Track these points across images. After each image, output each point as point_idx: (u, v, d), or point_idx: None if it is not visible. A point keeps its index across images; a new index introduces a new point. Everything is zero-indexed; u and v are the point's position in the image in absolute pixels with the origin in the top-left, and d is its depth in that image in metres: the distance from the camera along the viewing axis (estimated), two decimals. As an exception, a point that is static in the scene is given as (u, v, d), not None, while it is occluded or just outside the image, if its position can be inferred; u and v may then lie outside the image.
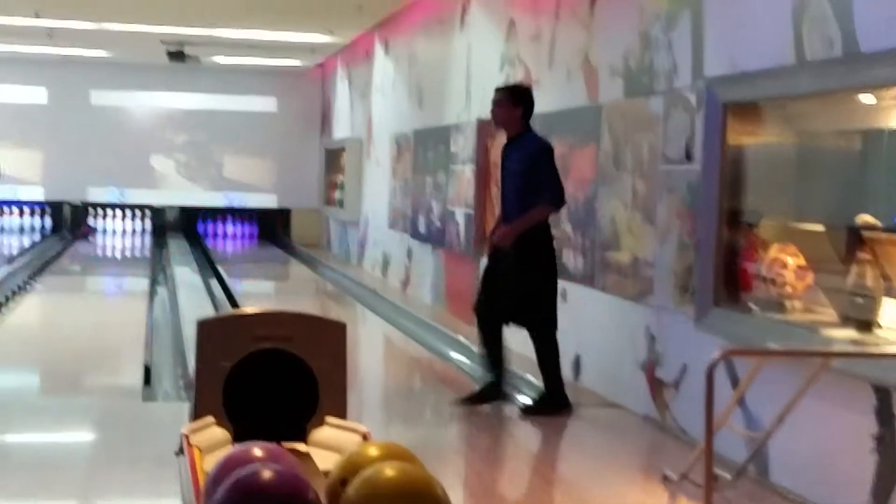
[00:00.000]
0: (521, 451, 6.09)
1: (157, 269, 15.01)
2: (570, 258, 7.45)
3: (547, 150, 6.38)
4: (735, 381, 5.08)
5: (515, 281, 6.35)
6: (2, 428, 5.78)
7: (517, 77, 8.67)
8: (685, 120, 5.88)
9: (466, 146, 9.74)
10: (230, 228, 20.58)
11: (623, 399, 6.60)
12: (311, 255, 16.64)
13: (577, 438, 6.26)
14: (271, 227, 20.28)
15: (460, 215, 9.91)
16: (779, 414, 4.39)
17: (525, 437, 6.31)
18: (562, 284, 7.46)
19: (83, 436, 5.84)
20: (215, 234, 20.46)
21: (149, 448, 5.20)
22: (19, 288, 11.58)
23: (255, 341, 3.53)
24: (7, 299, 10.55)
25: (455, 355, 8.70)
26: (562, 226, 7.58)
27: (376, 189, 14.22)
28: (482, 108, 9.50)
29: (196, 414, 3.48)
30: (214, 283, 13.33)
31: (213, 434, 3.36)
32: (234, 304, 11.00)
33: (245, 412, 3.52)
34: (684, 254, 5.86)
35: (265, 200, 20.11)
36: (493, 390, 6.53)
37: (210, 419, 3.44)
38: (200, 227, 20.50)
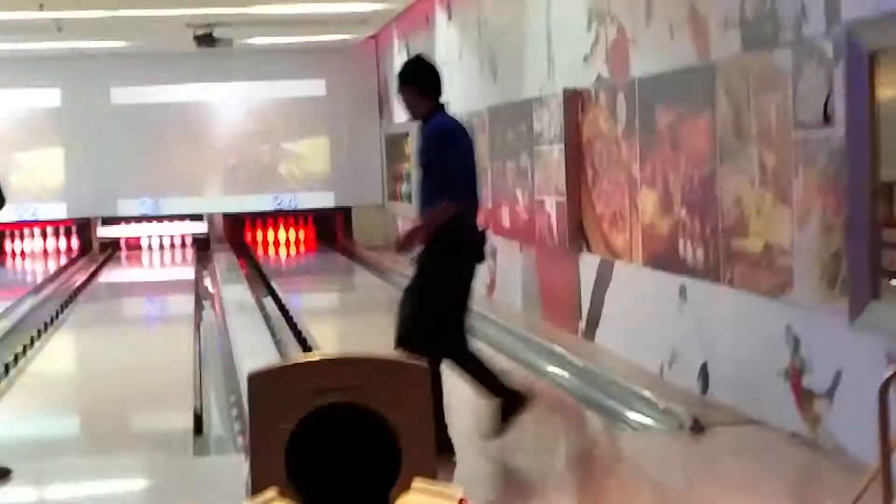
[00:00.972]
0: (642, 479, 5.86)
1: (202, 288, 15.04)
2: (686, 250, 7.21)
3: (438, 135, 5.95)
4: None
5: (405, 296, 6.12)
6: (37, 490, 5.72)
7: (609, 38, 8.43)
8: (821, 75, 5.61)
9: (553, 123, 9.52)
10: (283, 235, 20.61)
11: (763, 414, 6.36)
12: (378, 259, 16.54)
13: (710, 463, 6.03)
14: (330, 230, 20.25)
15: (551, 204, 9.70)
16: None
17: (646, 464, 6.10)
18: (680, 280, 7.25)
19: (128, 499, 5.76)
20: (266, 243, 20.52)
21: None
22: (47, 324, 11.62)
23: (318, 395, 3.34)
24: (33, 339, 10.57)
25: (553, 369, 8.51)
26: (674, 210, 7.34)
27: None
28: (570, 76, 9.29)
29: (255, 486, 3.32)
30: (269, 301, 13.29)
31: (277, 510, 3.19)
32: (291, 324, 10.91)
33: (314, 480, 3.34)
34: (830, 237, 5.60)
35: (321, 199, 20.06)
36: (512, 402, 6.20)
37: (272, 492, 3.27)
38: (249, 236, 20.57)
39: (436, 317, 5.99)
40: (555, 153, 9.52)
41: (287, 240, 20.63)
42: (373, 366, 3.52)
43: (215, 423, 7.34)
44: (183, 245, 20.15)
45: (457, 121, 6.21)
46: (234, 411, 7.58)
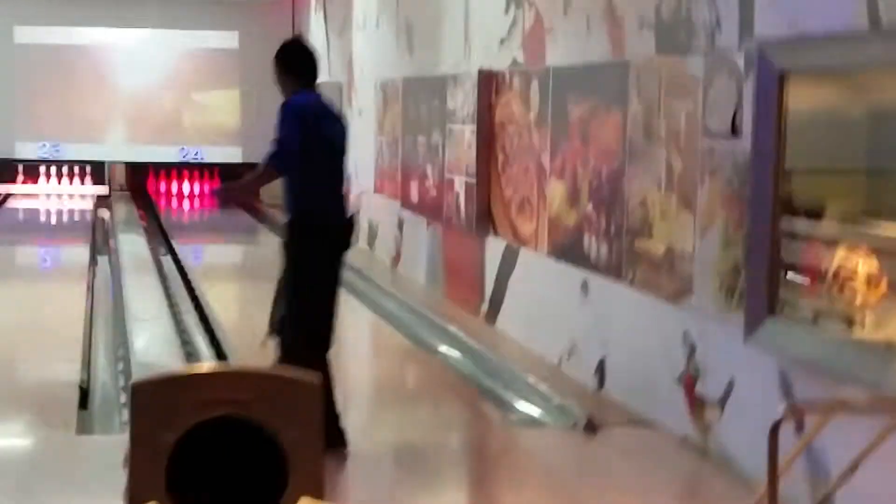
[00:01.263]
0: (532, 477, 5.94)
1: (99, 240, 14.87)
2: (591, 245, 7.29)
3: (290, 110, 5.82)
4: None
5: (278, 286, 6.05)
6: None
7: (527, 24, 8.45)
8: (731, 87, 5.69)
9: (466, 102, 9.53)
10: (186, 187, 20.42)
11: (656, 416, 6.47)
12: (282, 219, 16.41)
13: (600, 464, 6.13)
14: (236, 186, 20.06)
15: (460, 184, 9.73)
16: (853, 461, 4.23)
17: (539, 456, 6.18)
18: (582, 275, 7.33)
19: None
20: (170, 195, 20.32)
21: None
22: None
23: (204, 408, 3.34)
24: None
25: (449, 351, 8.57)
26: (581, 204, 7.41)
27: (360, 145, 14.00)
28: (485, 57, 9.30)
29: (132, 499, 3.30)
30: (168, 259, 13.19)
31: (155, 529, 3.18)
32: (188, 287, 10.82)
33: (195, 495, 3.34)
34: (731, 250, 5.70)
35: (228, 154, 19.87)
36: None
37: (150, 507, 3.27)
38: (152, 186, 20.35)
39: (307, 305, 5.88)
40: (466, 133, 9.54)
41: (192, 193, 20.43)
42: (263, 380, 3.52)
43: (102, 392, 7.26)
44: (83, 196, 19.84)
45: (324, 102, 6.08)
46: (122, 380, 7.53)
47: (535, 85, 8.25)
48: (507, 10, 8.90)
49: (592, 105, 7.31)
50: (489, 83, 9.16)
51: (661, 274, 6.45)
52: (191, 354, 8.28)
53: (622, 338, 6.95)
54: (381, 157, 12.87)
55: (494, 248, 9.14)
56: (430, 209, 10.72)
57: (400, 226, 11.98)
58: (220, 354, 8.02)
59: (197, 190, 20.39)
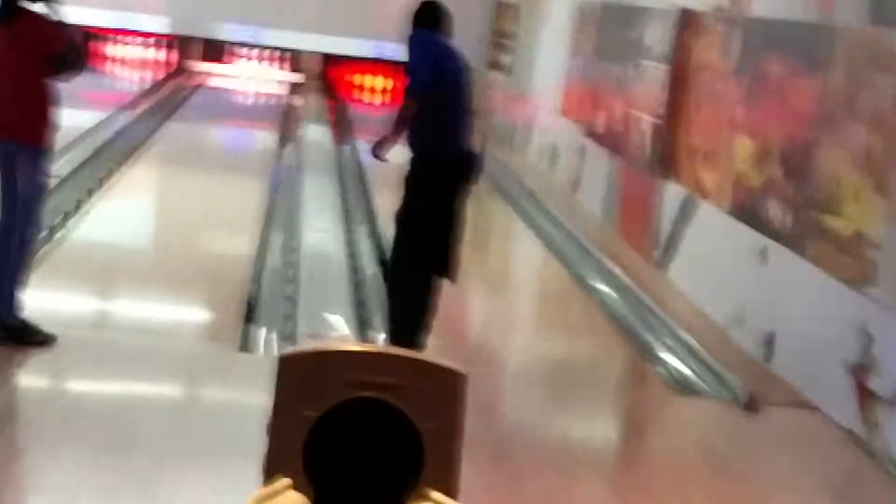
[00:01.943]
0: (685, 448, 5.70)
1: (289, 128, 14.97)
2: (774, 211, 6.94)
3: (413, 40, 5.99)
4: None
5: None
6: (65, 369, 5.68)
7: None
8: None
9: (663, 40, 9.15)
10: (379, 83, 20.37)
11: (821, 401, 6.16)
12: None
13: (757, 444, 5.85)
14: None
15: (646, 123, 9.39)
16: None
17: (695, 428, 5.95)
18: (762, 240, 7.00)
19: (161, 389, 5.68)
20: (361, 89, 20.31)
21: (229, 428, 5.02)
22: (129, 154, 11.69)
23: (349, 388, 3.22)
24: (120, 163, 10.72)
25: (610, 292, 8.30)
26: (769, 166, 7.05)
27: (550, 62, 13.71)
28: (688, -5, 8.90)
29: (268, 472, 3.22)
30: (348, 152, 13.22)
31: (287, 502, 3.10)
32: (365, 194, 10.77)
33: (331, 476, 3.24)
34: (923, 246, 5.32)
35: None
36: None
37: (286, 482, 3.18)
38: (343, 78, 20.38)
39: (417, 234, 5.88)
40: (659, 72, 9.17)
41: (383, 88, 20.37)
42: (412, 365, 3.37)
43: (269, 301, 7.23)
44: (279, 82, 19.97)
45: (446, 42, 6.08)
46: (290, 288, 7.50)
47: (736, 33, 7.85)
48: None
49: (793, 65, 6.91)
50: (689, 24, 8.76)
51: (844, 255, 6.09)
52: (356, 268, 8.22)
53: (795, 314, 6.61)
54: (569, 80, 12.54)
55: (674, 194, 8.81)
56: (613, 143, 10.41)
57: (581, 153, 11.69)
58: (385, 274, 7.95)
59: (389, 86, 20.35)
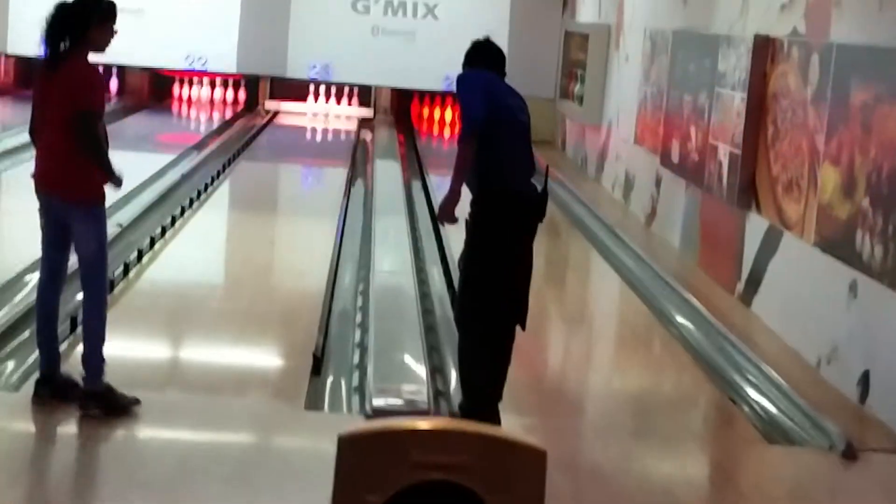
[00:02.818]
0: (779, 500, 5.37)
1: (358, 165, 14.81)
2: (864, 243, 6.59)
3: (462, 79, 5.69)
4: None
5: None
6: (130, 425, 5.49)
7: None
8: None
9: (738, 67, 8.83)
10: (449, 115, 20.18)
11: (926, 445, 5.80)
12: (537, 156, 15.99)
13: (856, 495, 5.50)
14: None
15: (724, 153, 9.06)
16: None
17: (789, 477, 5.61)
18: (852, 274, 6.66)
19: (228, 442, 5.47)
20: (432, 120, 20.15)
21: (290, 491, 4.79)
22: (208, 184, 11.69)
23: (415, 469, 2.95)
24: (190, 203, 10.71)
25: (694, 331, 8.00)
26: (857, 196, 6.70)
27: (623, 91, 13.42)
28: (763, 21, 8.60)
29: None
30: (418, 186, 13.05)
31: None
32: (437, 231, 10.54)
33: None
34: None
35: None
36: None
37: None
38: (415, 112, 20.24)
39: (484, 284, 5.53)
40: (736, 100, 8.84)
41: (454, 120, 20.18)
42: (483, 442, 3.11)
43: (339, 349, 7.02)
44: (348, 118, 19.84)
45: (498, 77, 5.80)
46: (357, 334, 7.29)
47: (815, 59, 7.51)
48: (793, -28, 8.15)
49: (878, 92, 6.56)
50: (765, 50, 8.42)
51: (942, 291, 5.73)
52: (428, 311, 7.99)
53: (892, 351, 6.25)
54: (644, 108, 12.23)
55: (756, 225, 8.47)
56: (691, 172, 10.07)
57: (658, 183, 11.36)
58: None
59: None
